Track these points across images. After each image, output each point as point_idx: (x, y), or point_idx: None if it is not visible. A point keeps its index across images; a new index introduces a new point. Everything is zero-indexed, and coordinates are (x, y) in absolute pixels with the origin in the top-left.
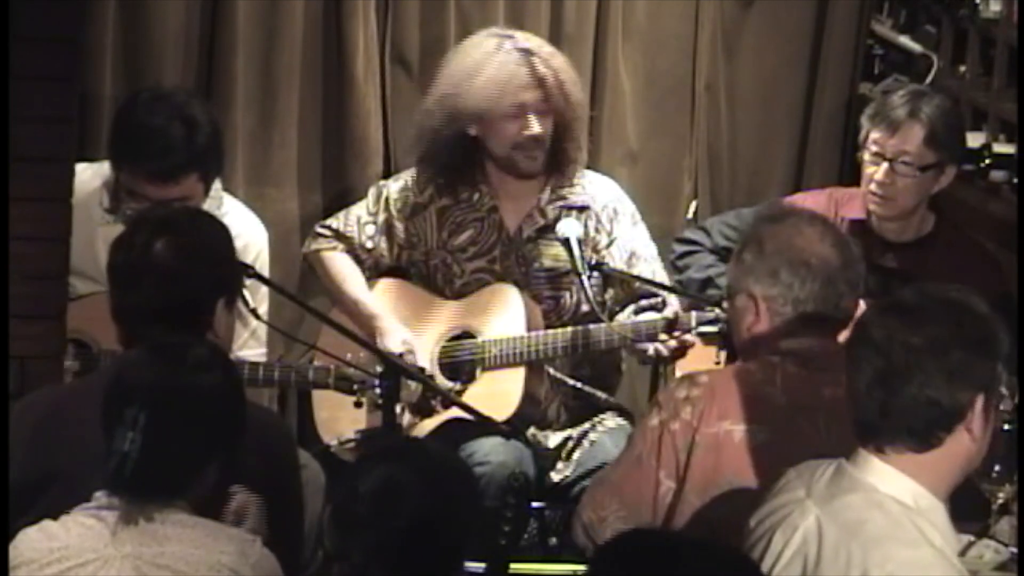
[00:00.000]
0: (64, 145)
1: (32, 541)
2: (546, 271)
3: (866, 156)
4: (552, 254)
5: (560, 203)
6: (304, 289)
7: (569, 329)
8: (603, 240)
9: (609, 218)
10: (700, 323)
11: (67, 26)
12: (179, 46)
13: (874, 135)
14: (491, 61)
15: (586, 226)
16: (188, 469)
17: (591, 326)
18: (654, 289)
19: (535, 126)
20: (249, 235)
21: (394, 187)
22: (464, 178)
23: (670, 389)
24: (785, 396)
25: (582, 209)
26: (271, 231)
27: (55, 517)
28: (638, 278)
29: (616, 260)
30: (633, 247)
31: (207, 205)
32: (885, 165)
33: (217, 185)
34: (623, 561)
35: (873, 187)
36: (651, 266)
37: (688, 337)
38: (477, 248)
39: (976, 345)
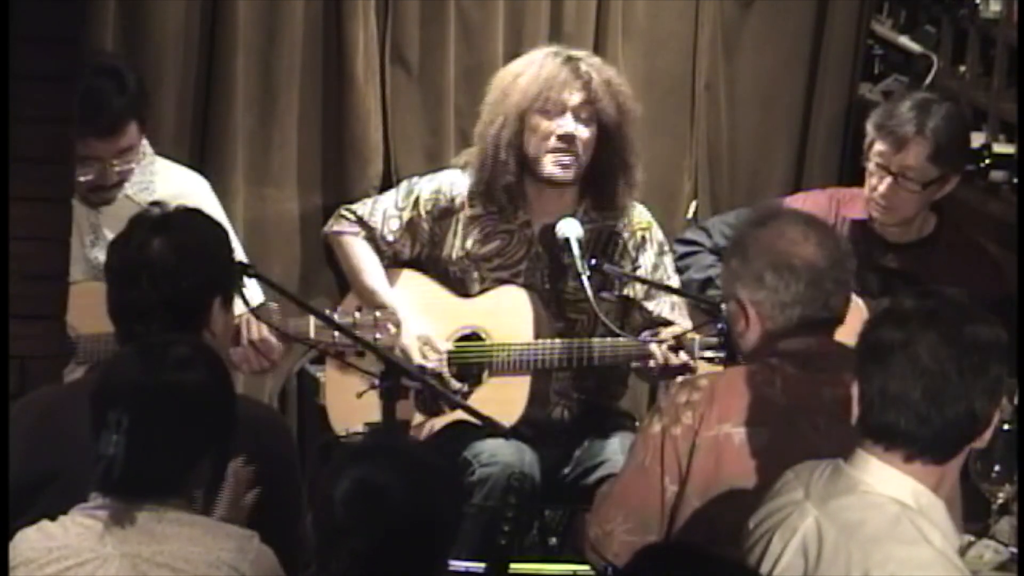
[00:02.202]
0: (64, 145)
1: (31, 541)
2: (569, 291)
3: (870, 166)
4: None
5: (592, 225)
6: (305, 289)
7: (576, 340)
8: (627, 267)
9: (636, 246)
10: (704, 348)
11: (67, 26)
12: (179, 46)
13: (878, 147)
14: (535, 63)
15: (612, 252)
16: (180, 467)
17: (596, 339)
18: (670, 317)
19: (569, 125)
20: (185, 187)
21: (427, 187)
22: (503, 190)
23: (671, 395)
24: (785, 397)
25: (612, 234)
26: (271, 231)
27: (53, 517)
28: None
29: (636, 288)
30: (656, 277)
31: (141, 164)
32: (888, 179)
33: (145, 143)
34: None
35: (876, 196)
36: (670, 298)
37: (690, 361)
38: (503, 260)
39: (1005, 359)
